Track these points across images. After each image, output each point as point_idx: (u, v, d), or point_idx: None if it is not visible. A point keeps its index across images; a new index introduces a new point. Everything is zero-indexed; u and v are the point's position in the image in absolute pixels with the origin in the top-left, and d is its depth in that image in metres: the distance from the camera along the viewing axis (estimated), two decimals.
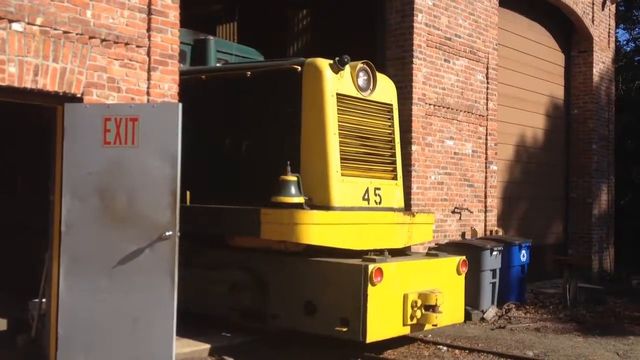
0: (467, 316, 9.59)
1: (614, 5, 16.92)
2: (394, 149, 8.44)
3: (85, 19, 6.64)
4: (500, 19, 13.16)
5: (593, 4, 16.00)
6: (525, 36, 14.59)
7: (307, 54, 8.62)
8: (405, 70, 10.90)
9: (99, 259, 6.32)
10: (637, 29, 26.55)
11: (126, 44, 6.97)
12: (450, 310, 7.98)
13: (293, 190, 7.43)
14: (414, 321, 7.50)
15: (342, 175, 7.66)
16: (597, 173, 16.08)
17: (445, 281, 8.02)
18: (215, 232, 8.12)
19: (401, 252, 8.27)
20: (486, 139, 12.59)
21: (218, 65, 9.67)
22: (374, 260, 7.22)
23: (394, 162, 8.41)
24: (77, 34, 6.55)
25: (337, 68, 7.74)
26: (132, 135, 6.36)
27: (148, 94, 7.16)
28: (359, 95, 8.03)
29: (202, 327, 8.02)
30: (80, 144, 6.40)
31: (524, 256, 11.36)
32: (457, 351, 8.25)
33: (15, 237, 9.26)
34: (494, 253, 10.61)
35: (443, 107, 11.61)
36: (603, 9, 16.37)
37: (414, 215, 8.43)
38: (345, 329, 7.10)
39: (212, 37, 9.98)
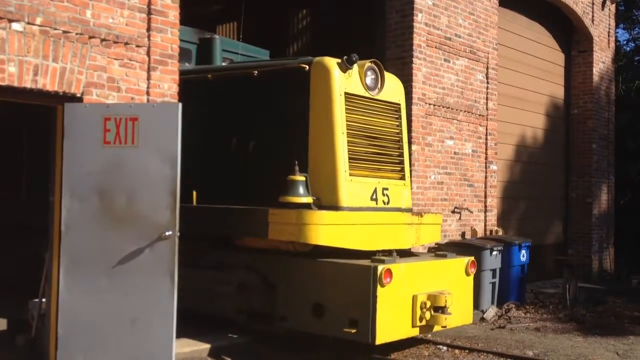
0: None
1: (613, 5, 16.92)
2: (402, 149, 8.35)
3: (85, 18, 6.63)
4: (500, 18, 13.16)
5: (593, 3, 15.99)
6: (525, 36, 14.60)
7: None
8: (405, 70, 10.89)
9: (98, 259, 6.31)
10: (636, 29, 26.58)
11: (126, 43, 6.96)
12: (459, 312, 7.90)
13: (301, 190, 7.37)
14: (423, 322, 7.42)
15: (351, 175, 7.59)
16: (597, 173, 16.08)
17: (454, 282, 7.95)
18: (222, 232, 8.05)
19: (406, 253, 8.23)
20: (486, 139, 12.59)
21: (224, 64, 9.62)
22: (383, 261, 7.15)
23: (401, 162, 8.34)
24: (76, 34, 6.55)
25: (345, 67, 7.67)
26: (132, 135, 6.35)
27: (148, 93, 7.16)
28: (367, 95, 7.96)
29: (202, 327, 8.01)
30: (80, 144, 6.40)
31: (523, 256, 11.36)
32: (456, 351, 8.24)
33: (20, 237, 9.26)
34: (494, 253, 10.61)
35: (443, 107, 11.61)
36: (603, 9, 16.37)
37: (422, 216, 8.35)
38: (354, 331, 7.03)
39: (217, 36, 9.96)
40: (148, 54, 7.16)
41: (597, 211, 16.09)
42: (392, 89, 8.39)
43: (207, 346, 7.54)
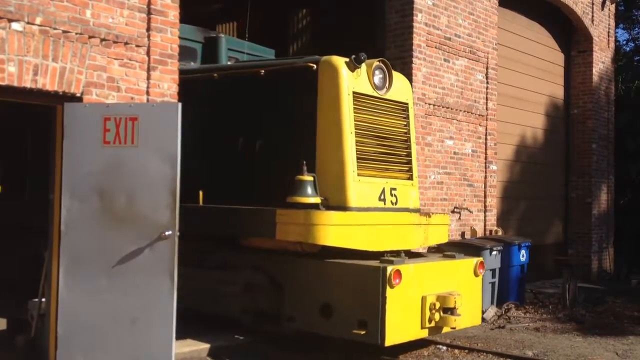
0: None
1: (613, 5, 16.92)
2: (410, 149, 8.29)
3: (85, 18, 6.63)
4: (500, 18, 13.17)
5: (593, 3, 16.00)
6: (525, 36, 14.60)
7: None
8: (404, 70, 10.86)
9: (98, 259, 6.31)
10: (636, 29, 26.60)
11: (126, 43, 6.96)
12: (468, 313, 7.82)
13: (309, 190, 7.32)
14: (432, 324, 7.35)
15: (359, 175, 7.53)
16: (596, 173, 16.08)
17: (463, 283, 7.88)
18: (229, 232, 8.00)
19: (413, 253, 8.19)
20: (486, 139, 12.59)
21: (230, 63, 9.56)
22: (392, 262, 7.10)
23: (409, 162, 8.27)
24: (76, 34, 6.55)
25: (353, 66, 7.62)
26: (132, 135, 6.35)
27: (148, 93, 7.16)
28: (375, 94, 7.89)
29: (203, 327, 8.00)
30: (80, 144, 6.40)
31: (523, 256, 11.36)
32: (456, 351, 8.24)
33: (21, 237, 9.26)
34: (494, 253, 10.60)
35: (443, 107, 11.61)
36: (603, 9, 16.37)
37: (430, 216, 8.29)
38: (363, 332, 6.98)
39: (223, 35, 9.92)
40: (148, 53, 7.16)
41: (597, 211, 16.09)
42: (400, 88, 8.32)
43: (207, 346, 7.54)
